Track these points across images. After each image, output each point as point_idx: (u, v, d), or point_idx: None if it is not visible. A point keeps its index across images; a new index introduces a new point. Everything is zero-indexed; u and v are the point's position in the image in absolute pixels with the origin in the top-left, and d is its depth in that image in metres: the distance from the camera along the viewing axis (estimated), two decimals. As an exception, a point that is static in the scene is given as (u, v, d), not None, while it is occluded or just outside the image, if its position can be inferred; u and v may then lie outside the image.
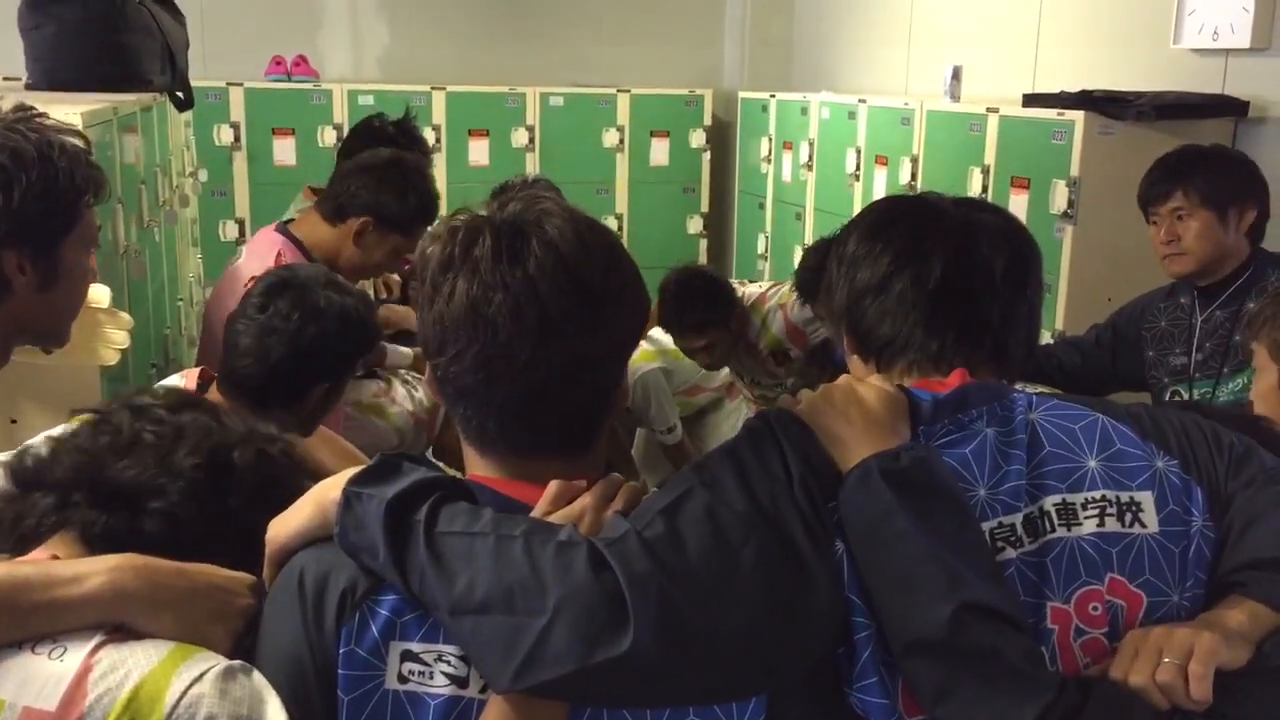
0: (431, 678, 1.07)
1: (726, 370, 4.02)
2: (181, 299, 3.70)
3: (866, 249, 1.32)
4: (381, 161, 2.79)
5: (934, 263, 1.27)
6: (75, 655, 1.05)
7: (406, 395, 2.88)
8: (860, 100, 4.49)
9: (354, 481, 1.09)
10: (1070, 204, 3.19)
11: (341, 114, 5.21)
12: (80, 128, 1.98)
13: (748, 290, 3.73)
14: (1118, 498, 1.18)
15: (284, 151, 5.21)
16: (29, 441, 1.29)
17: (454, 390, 1.13)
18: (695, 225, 5.80)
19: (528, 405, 1.10)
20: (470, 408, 1.13)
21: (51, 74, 2.96)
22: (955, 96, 4.12)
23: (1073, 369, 2.75)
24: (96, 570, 1.09)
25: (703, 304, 3.51)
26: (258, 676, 1.07)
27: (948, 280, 1.27)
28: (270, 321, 1.92)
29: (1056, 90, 3.49)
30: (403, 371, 2.97)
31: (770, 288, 3.74)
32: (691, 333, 3.52)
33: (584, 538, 1.04)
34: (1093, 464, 1.19)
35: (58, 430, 1.32)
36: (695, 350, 3.58)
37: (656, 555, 1.02)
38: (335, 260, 2.72)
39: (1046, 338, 3.21)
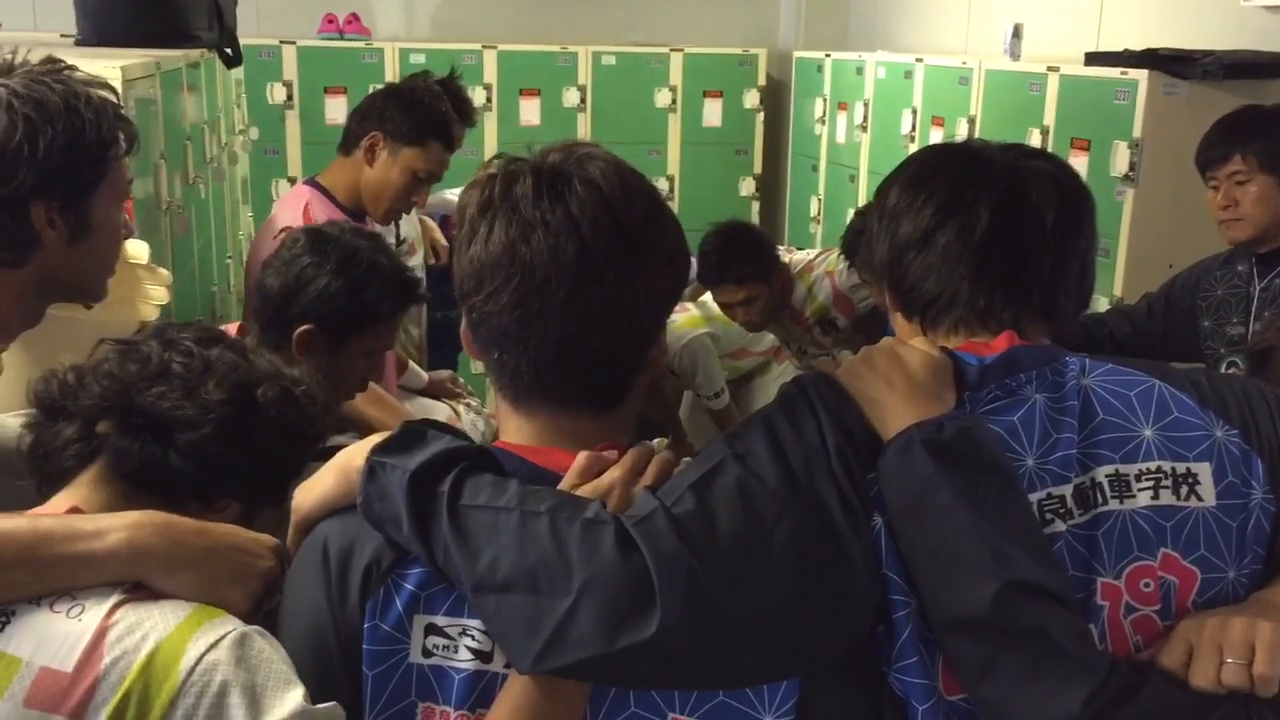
0: (456, 652, 1.05)
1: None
2: (231, 256, 3.71)
3: (909, 201, 1.25)
4: (388, 87, 2.85)
5: (980, 213, 1.20)
6: (93, 614, 1.04)
7: (472, 424, 2.86)
8: (917, 59, 4.39)
9: (378, 450, 1.06)
10: (1132, 166, 3.10)
11: (393, 73, 5.18)
12: (120, 82, 1.98)
13: (794, 258, 3.67)
14: (1174, 469, 1.12)
15: (336, 110, 5.19)
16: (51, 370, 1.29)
17: (488, 332, 1.09)
18: (748, 187, 5.72)
19: (562, 348, 1.07)
20: (505, 350, 1.09)
21: (101, 30, 2.97)
22: (1015, 55, 4.01)
23: (1124, 339, 2.67)
24: (117, 526, 1.08)
25: (741, 257, 3.46)
26: (275, 644, 1.05)
27: (995, 231, 1.20)
28: (282, 252, 1.92)
29: (1120, 49, 3.38)
30: (472, 401, 2.96)
31: (818, 255, 3.67)
32: (731, 284, 3.47)
33: (611, 515, 1.00)
34: (1148, 433, 1.13)
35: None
36: (734, 305, 3.53)
37: (685, 534, 0.98)
38: (362, 195, 2.73)
39: (1104, 304, 3.13)
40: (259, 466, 1.26)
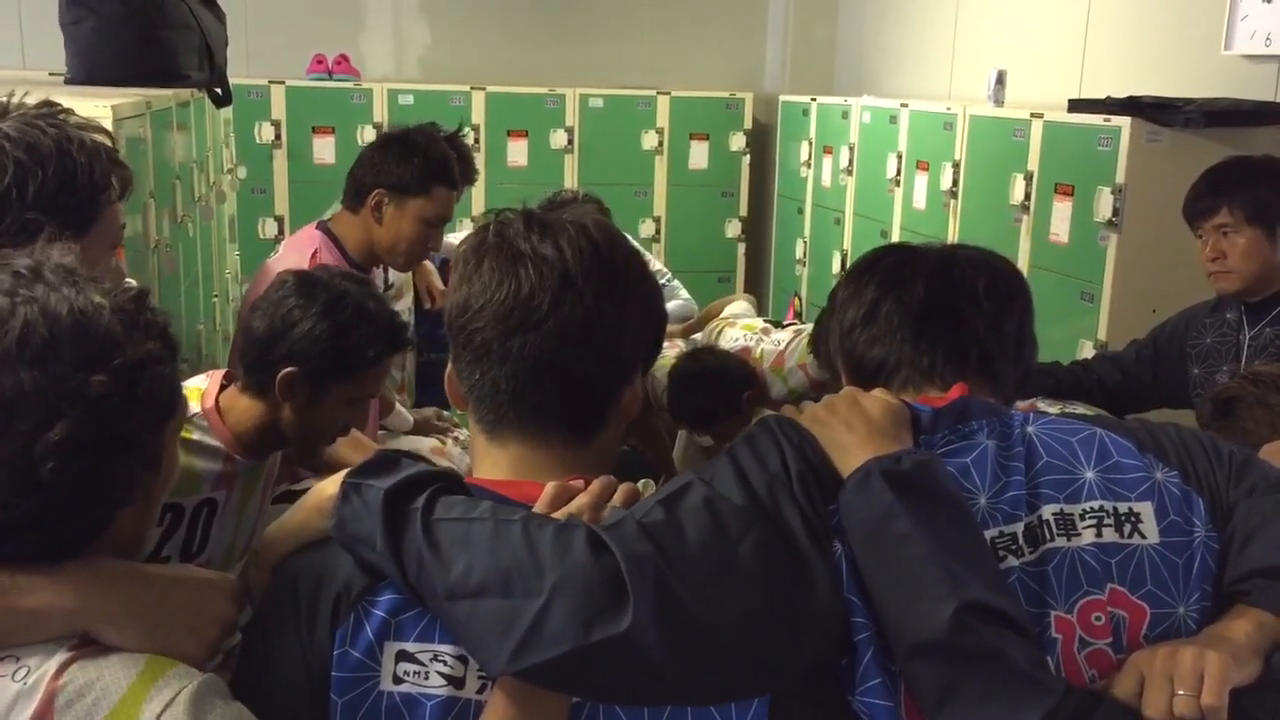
0: (427, 678, 1.06)
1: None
2: (217, 295, 3.71)
3: (854, 290, 1.39)
4: (384, 138, 2.83)
5: (917, 285, 1.34)
6: (39, 675, 0.97)
7: (460, 455, 2.85)
8: (902, 104, 4.43)
9: (354, 474, 1.10)
10: (1115, 212, 3.12)
11: (381, 113, 5.22)
12: (110, 121, 1.98)
13: (764, 348, 3.59)
14: (1115, 508, 1.18)
15: (324, 150, 5.23)
16: None
17: (471, 353, 1.14)
18: (733, 229, 5.75)
19: (540, 363, 1.11)
20: (485, 369, 1.13)
21: (90, 69, 2.98)
22: (999, 101, 4.05)
23: (1113, 386, 2.66)
24: (60, 577, 1.00)
25: (716, 395, 3.36)
26: (229, 698, 1.01)
27: (931, 298, 1.33)
28: (270, 294, 1.90)
29: (1103, 96, 3.42)
30: (459, 434, 2.94)
31: (788, 344, 3.54)
32: (700, 428, 3.42)
33: (582, 522, 1.04)
34: (1090, 475, 1.20)
35: None
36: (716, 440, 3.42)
37: (655, 540, 1.01)
38: (372, 249, 2.74)
39: (1089, 348, 3.15)
40: (104, 484, 1.01)
